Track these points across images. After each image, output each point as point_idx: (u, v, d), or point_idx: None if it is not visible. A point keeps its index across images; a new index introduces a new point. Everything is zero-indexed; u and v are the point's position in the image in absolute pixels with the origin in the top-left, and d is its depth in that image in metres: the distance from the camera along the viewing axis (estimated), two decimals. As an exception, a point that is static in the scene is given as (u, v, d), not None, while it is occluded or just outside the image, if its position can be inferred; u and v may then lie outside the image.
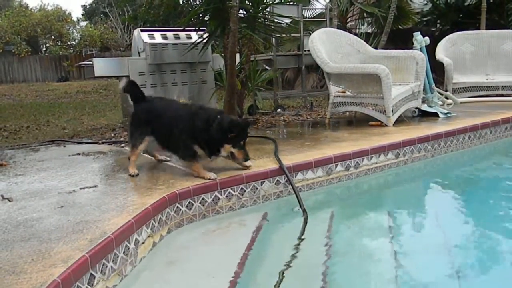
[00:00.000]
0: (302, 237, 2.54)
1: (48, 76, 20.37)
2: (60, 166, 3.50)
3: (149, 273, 2.15)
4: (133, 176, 3.06)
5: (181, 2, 6.01)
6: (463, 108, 5.56)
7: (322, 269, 2.16)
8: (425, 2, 11.82)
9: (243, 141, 2.85)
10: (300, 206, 2.90)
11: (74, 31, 26.33)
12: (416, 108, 5.17)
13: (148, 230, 2.32)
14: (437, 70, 6.90)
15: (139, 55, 5.19)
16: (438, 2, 11.33)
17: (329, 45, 5.29)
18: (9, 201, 2.61)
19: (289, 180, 3.02)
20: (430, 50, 5.75)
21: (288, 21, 5.68)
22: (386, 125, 4.59)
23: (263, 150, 3.57)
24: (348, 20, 11.16)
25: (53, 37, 24.27)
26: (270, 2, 5.04)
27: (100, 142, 4.62)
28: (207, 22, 4.92)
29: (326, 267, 2.19)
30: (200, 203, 2.73)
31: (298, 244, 2.45)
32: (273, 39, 6.05)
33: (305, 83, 7.58)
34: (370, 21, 11.35)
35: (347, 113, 5.72)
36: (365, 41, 5.78)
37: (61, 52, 22.76)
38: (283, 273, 2.11)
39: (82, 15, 32.37)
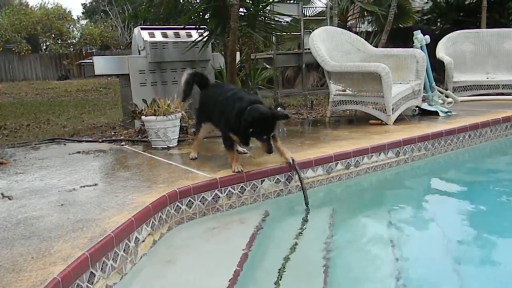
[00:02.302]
0: (301, 233, 2.55)
1: (48, 75, 20.35)
2: (60, 165, 3.50)
3: (149, 271, 2.15)
4: (191, 159, 3.37)
5: (181, 1, 6.00)
6: (463, 107, 5.55)
7: (322, 266, 2.16)
8: (426, 0, 11.80)
9: (266, 135, 2.72)
10: (306, 202, 2.93)
11: (74, 29, 26.34)
12: (417, 106, 5.16)
13: (148, 228, 2.32)
14: (438, 69, 6.89)
15: (139, 54, 5.18)
16: (438, 0, 11.30)
17: (330, 43, 5.28)
18: (9, 199, 2.61)
19: (299, 176, 3.03)
20: (431, 48, 5.73)
21: (288, 19, 5.68)
22: (387, 124, 4.59)
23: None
24: (348, 19, 11.15)
25: (53, 35, 24.25)
26: (271, 1, 5.03)
27: (100, 140, 4.62)
28: (208, 20, 4.92)
29: (326, 264, 2.19)
30: (200, 201, 2.74)
31: (298, 238, 2.45)
32: (274, 37, 6.04)
33: (306, 81, 7.58)
34: (370, 20, 11.33)
35: (348, 111, 5.71)
36: (365, 39, 5.77)
37: (61, 51, 22.75)
38: (283, 269, 2.11)
39: (82, 13, 32.38)
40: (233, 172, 2.92)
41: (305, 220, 2.76)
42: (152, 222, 2.36)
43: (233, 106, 2.81)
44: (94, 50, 23.15)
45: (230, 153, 3.00)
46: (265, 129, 2.71)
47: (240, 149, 3.49)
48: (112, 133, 5.18)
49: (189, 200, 2.69)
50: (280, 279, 2.03)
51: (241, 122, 2.70)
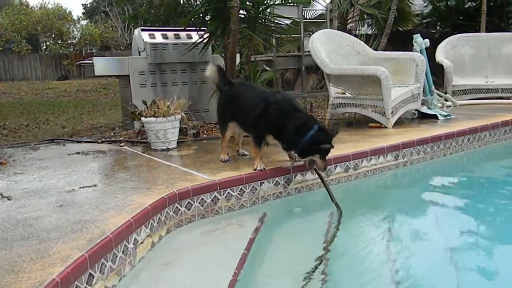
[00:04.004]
0: (337, 232, 2.61)
1: (48, 75, 20.36)
2: (60, 165, 3.50)
3: (148, 273, 2.15)
4: (222, 161, 3.31)
5: (181, 2, 6.01)
6: (462, 111, 5.56)
7: (321, 269, 2.16)
8: (425, 4, 11.81)
9: (327, 154, 2.92)
10: (332, 200, 2.99)
11: (75, 29, 26.32)
12: (416, 110, 5.17)
13: (147, 230, 2.32)
14: (437, 73, 6.90)
15: (140, 55, 5.19)
16: (438, 4, 11.33)
17: (329, 46, 5.29)
18: (9, 199, 2.61)
19: (321, 179, 3.08)
20: (430, 52, 5.75)
21: (288, 22, 5.68)
22: (386, 127, 4.60)
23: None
24: (348, 22, 11.15)
25: (53, 35, 24.25)
26: (271, 3, 5.04)
27: (99, 141, 4.62)
28: (208, 22, 4.92)
29: (324, 267, 2.19)
30: (199, 203, 2.74)
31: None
32: (274, 39, 6.04)
33: (305, 84, 7.58)
34: (370, 23, 11.34)
35: (347, 114, 5.72)
36: (365, 42, 5.78)
37: (61, 51, 22.75)
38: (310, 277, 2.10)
39: (83, 13, 32.37)
40: (255, 170, 3.00)
41: (340, 217, 2.83)
42: (151, 223, 2.36)
43: (293, 115, 2.91)
44: (94, 51, 23.17)
45: (257, 150, 3.06)
46: (328, 150, 2.90)
47: (241, 151, 3.51)
48: (112, 134, 5.18)
49: (188, 202, 2.69)
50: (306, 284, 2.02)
51: (312, 141, 2.82)
